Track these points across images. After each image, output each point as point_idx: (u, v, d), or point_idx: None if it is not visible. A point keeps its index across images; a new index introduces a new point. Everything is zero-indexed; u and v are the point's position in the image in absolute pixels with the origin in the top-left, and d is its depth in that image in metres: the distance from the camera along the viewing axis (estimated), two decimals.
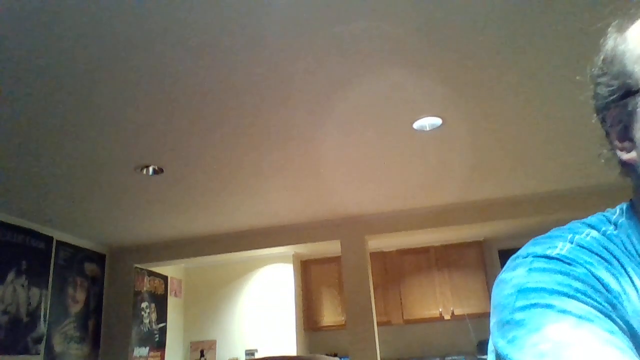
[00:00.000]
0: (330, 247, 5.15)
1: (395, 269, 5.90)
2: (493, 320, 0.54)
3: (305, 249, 5.76)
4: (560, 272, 0.52)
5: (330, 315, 5.86)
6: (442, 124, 2.93)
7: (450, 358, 5.56)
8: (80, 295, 4.68)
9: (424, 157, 3.42)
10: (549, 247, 0.56)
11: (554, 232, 0.60)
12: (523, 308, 0.50)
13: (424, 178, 3.84)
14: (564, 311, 0.48)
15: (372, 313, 4.50)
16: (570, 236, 0.57)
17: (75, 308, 4.60)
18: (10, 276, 3.91)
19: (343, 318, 5.52)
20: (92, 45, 2.05)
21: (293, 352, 5.44)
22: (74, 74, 2.23)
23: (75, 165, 3.18)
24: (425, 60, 2.30)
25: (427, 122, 2.91)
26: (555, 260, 0.53)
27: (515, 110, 2.84)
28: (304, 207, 4.34)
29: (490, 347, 0.56)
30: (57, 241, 4.46)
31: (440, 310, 5.65)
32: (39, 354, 4.09)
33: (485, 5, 1.96)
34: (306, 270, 6.08)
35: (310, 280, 6.03)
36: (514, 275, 0.54)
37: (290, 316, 5.62)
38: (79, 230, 4.54)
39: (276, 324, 5.63)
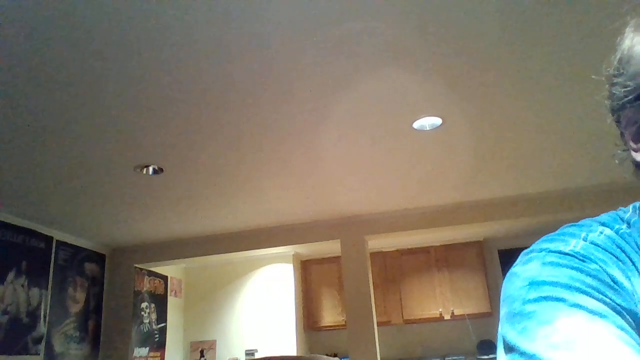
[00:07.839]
0: (330, 247, 5.15)
1: (395, 269, 5.90)
2: (503, 312, 0.54)
3: (305, 249, 5.76)
4: (573, 268, 0.52)
5: (330, 315, 5.86)
6: (442, 124, 2.94)
7: (450, 358, 5.56)
8: (80, 295, 4.68)
9: (423, 157, 3.42)
10: (563, 244, 0.56)
11: (566, 228, 0.61)
12: (535, 300, 0.50)
13: (424, 178, 3.84)
14: (576, 305, 0.48)
15: (372, 313, 4.50)
16: (584, 234, 0.58)
17: (75, 308, 4.60)
18: (10, 276, 3.91)
19: (343, 318, 5.52)
20: (91, 45, 2.05)
21: (293, 352, 5.43)
22: (74, 74, 2.23)
23: (75, 165, 3.18)
24: (425, 60, 2.30)
25: (427, 122, 2.91)
26: (568, 256, 0.54)
27: (515, 110, 2.84)
28: (304, 207, 4.34)
29: (500, 339, 0.56)
30: (57, 241, 4.46)
31: (440, 310, 5.65)
32: (38, 354, 4.09)
33: (485, 5, 1.96)
34: (306, 270, 6.08)
35: (310, 280, 6.03)
36: (526, 269, 0.55)
37: (290, 316, 5.62)
38: (79, 230, 4.54)
39: (276, 324, 5.63)
